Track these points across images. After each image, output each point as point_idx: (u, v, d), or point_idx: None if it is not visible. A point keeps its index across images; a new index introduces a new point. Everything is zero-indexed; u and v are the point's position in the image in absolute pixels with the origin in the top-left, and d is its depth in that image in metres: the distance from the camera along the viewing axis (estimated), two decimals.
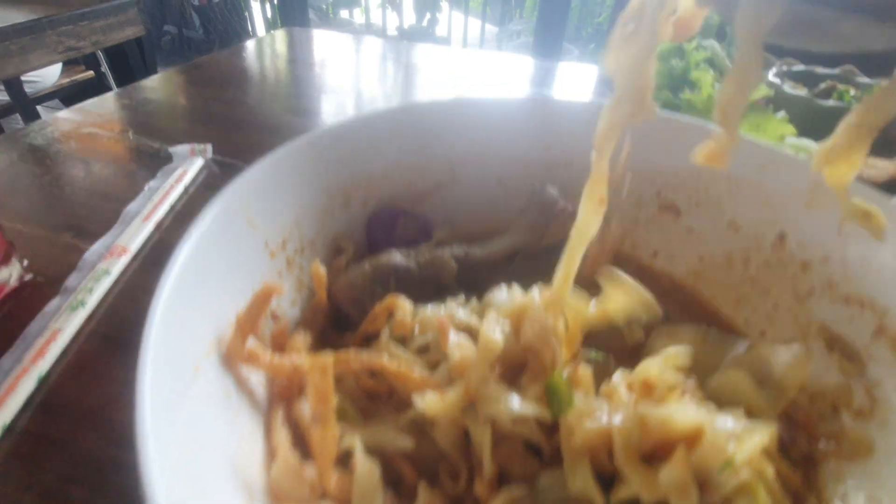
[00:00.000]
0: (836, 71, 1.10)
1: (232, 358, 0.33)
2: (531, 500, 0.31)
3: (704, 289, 0.58)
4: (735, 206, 0.55)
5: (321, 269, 0.42)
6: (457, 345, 0.36)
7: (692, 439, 0.30)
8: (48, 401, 0.49)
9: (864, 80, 1.06)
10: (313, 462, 0.31)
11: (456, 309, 0.42)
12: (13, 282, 0.60)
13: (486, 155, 0.61)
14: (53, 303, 0.59)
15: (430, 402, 0.32)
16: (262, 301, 0.35)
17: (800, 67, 1.10)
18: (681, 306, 0.58)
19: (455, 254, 0.49)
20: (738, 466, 0.30)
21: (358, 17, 4.44)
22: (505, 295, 0.44)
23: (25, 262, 0.62)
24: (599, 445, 0.31)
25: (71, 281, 0.62)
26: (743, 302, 0.54)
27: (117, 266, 0.63)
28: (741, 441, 0.31)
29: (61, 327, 0.54)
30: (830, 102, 0.96)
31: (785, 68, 1.09)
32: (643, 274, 0.60)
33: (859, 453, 0.39)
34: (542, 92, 1.27)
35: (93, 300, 0.59)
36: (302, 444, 0.32)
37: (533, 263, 0.53)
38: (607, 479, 0.32)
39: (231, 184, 0.39)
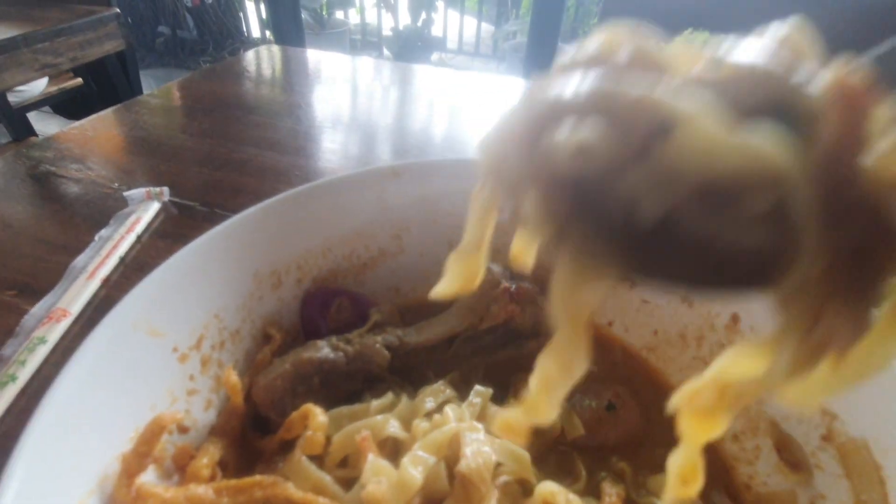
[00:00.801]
0: None
1: (116, 502, 0.31)
2: None
3: (656, 362, 0.55)
4: None
5: (234, 378, 0.40)
6: (374, 470, 0.34)
7: None
8: None
9: None
10: None
11: (381, 419, 0.40)
12: None
13: (435, 219, 0.59)
14: None
15: None
16: (152, 436, 0.32)
17: None
18: (632, 374, 0.55)
19: (388, 342, 0.47)
20: None
21: (353, 17, 4.39)
22: (434, 402, 0.42)
23: None
24: None
25: (6, 350, 0.60)
26: None
27: (55, 332, 0.61)
28: None
29: None
30: None
31: None
32: (599, 345, 0.57)
33: None
34: None
35: (25, 374, 0.57)
36: None
37: (472, 345, 0.50)
38: None
39: (129, 295, 0.37)
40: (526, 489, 0.38)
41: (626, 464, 0.44)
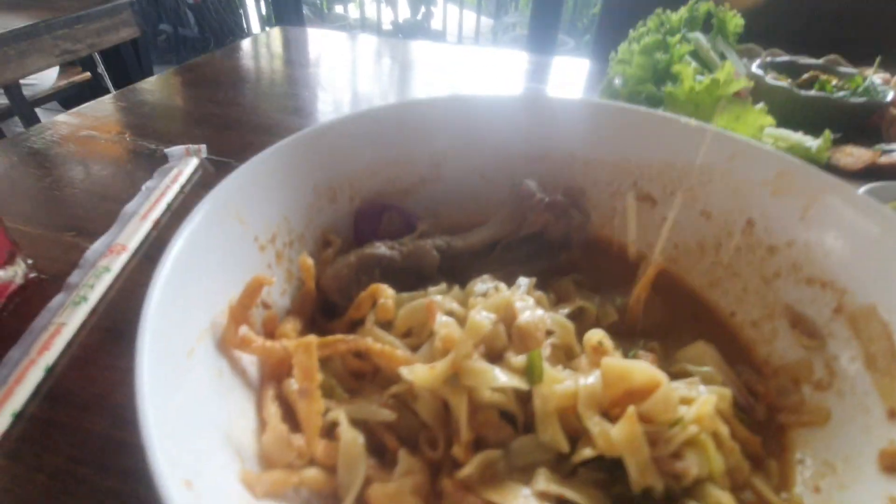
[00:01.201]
0: (821, 61, 1.12)
1: (225, 343, 0.36)
2: (505, 461, 0.34)
3: (678, 271, 0.60)
4: (706, 195, 0.58)
5: (309, 261, 0.44)
6: (444, 323, 0.39)
7: (646, 394, 0.33)
8: (55, 389, 0.52)
9: (847, 69, 1.08)
10: (301, 434, 0.34)
11: (440, 297, 0.44)
12: (18, 280, 0.63)
13: (468, 150, 0.64)
14: (57, 299, 0.61)
15: (418, 373, 0.35)
16: (253, 291, 0.37)
17: (784, 58, 1.12)
18: (658, 287, 0.60)
19: (437, 245, 0.52)
20: (686, 423, 0.33)
21: (352, 11, 4.44)
22: (486, 286, 0.47)
23: (30, 261, 0.65)
24: (568, 406, 0.34)
25: (73, 278, 0.64)
26: (715, 285, 0.56)
27: (117, 263, 0.66)
28: (693, 402, 0.34)
29: (65, 321, 0.57)
30: (811, 92, 0.98)
31: (769, 59, 1.10)
32: (623, 257, 0.62)
33: (817, 422, 0.41)
34: (535, 86, 1.29)
35: (94, 296, 0.61)
36: (291, 419, 0.35)
37: (511, 253, 0.55)
38: (573, 443, 0.34)
39: (220, 183, 0.42)
40: (569, 355, 0.43)
41: (656, 343, 0.48)
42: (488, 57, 1.46)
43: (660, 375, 0.33)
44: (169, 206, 0.79)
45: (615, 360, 0.35)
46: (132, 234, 0.71)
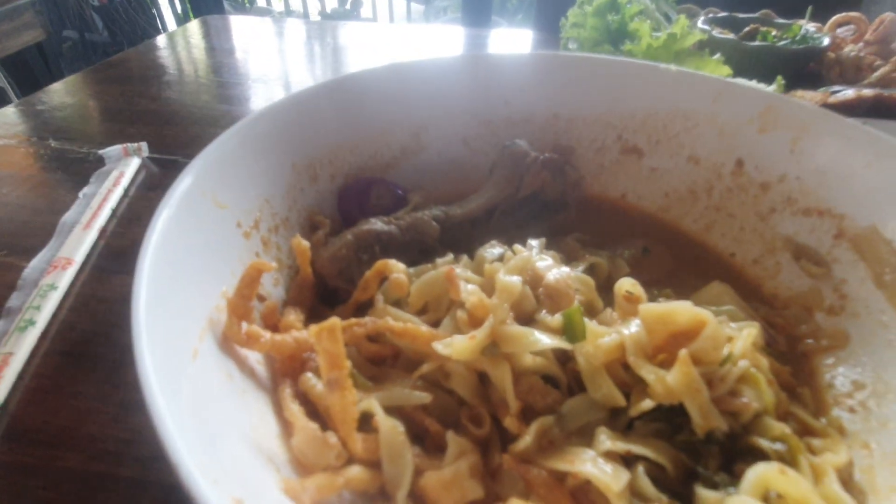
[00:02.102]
0: (756, 15, 1.16)
1: (229, 341, 0.31)
2: (560, 426, 0.31)
3: (672, 220, 0.60)
4: (693, 140, 0.58)
5: (304, 243, 0.40)
6: (471, 291, 0.36)
7: (692, 335, 0.31)
8: (14, 429, 0.44)
9: (781, 21, 1.13)
10: (332, 431, 0.30)
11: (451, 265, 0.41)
12: None
13: (448, 117, 0.60)
14: None
15: (458, 346, 0.32)
16: (251, 280, 0.32)
17: (722, 14, 1.16)
18: (657, 237, 0.59)
19: (435, 215, 0.48)
20: (735, 358, 0.31)
21: (276, 4, 4.24)
22: (497, 251, 0.44)
23: None
24: (614, 359, 0.32)
25: (13, 301, 0.56)
26: (711, 229, 0.56)
27: (64, 279, 0.58)
28: (734, 338, 0.32)
29: (12, 350, 0.49)
30: (756, 43, 1.01)
31: (710, 15, 1.13)
32: (617, 212, 0.61)
33: (838, 345, 0.42)
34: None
35: (43, 317, 0.53)
36: (316, 417, 0.31)
37: (510, 217, 0.53)
38: (625, 397, 0.32)
39: (189, 166, 0.36)
40: (591, 311, 0.41)
41: (669, 290, 0.47)
42: (424, 34, 1.42)
43: (704, 313, 0.32)
44: (113, 211, 0.70)
45: (654, 305, 0.34)
46: (76, 245, 0.62)
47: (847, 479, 0.33)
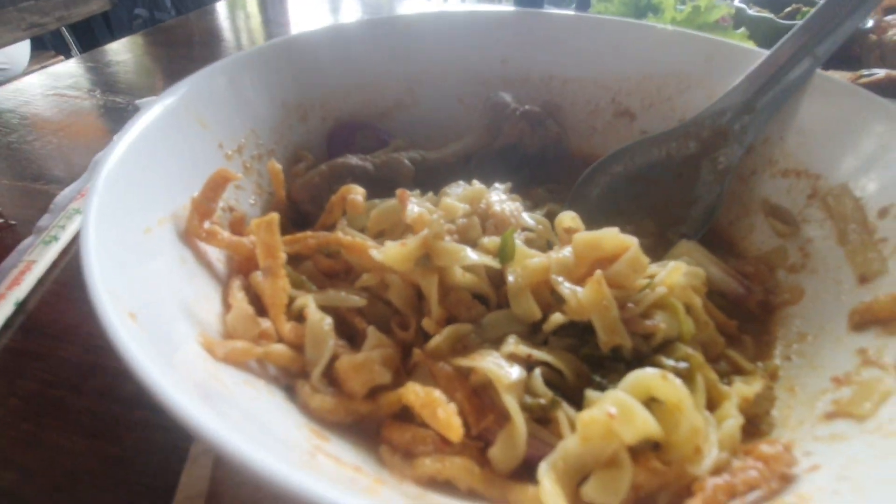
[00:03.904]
0: None
1: (189, 234, 0.35)
2: (477, 334, 0.33)
3: None
4: (684, 103, 0.57)
5: (277, 166, 0.43)
6: (416, 210, 0.38)
7: (617, 260, 0.32)
8: (28, 323, 0.51)
9: None
10: (268, 319, 0.33)
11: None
12: None
13: (444, 72, 0.62)
14: (27, 241, 0.60)
15: (389, 252, 0.34)
16: (216, 185, 0.36)
17: None
18: None
19: (411, 157, 0.51)
20: (654, 286, 0.32)
21: None
22: (460, 190, 0.46)
23: None
24: (541, 282, 0.33)
25: (43, 221, 0.63)
26: None
27: None
28: (664, 270, 0.33)
29: (35, 259, 0.56)
30: (791, 22, 0.97)
31: None
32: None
33: (792, 301, 0.41)
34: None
35: (66, 236, 0.60)
36: (259, 309, 0.34)
37: (487, 167, 0.54)
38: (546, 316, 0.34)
39: (176, 85, 0.40)
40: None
41: None
42: None
43: (629, 240, 0.33)
44: None
45: (586, 233, 0.35)
46: None
47: (763, 414, 0.33)
